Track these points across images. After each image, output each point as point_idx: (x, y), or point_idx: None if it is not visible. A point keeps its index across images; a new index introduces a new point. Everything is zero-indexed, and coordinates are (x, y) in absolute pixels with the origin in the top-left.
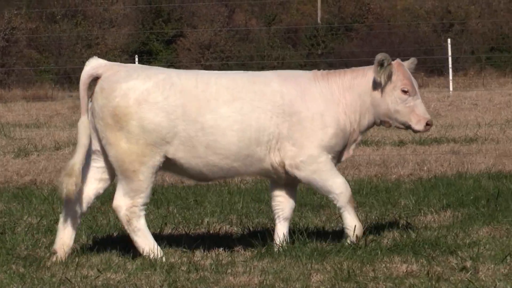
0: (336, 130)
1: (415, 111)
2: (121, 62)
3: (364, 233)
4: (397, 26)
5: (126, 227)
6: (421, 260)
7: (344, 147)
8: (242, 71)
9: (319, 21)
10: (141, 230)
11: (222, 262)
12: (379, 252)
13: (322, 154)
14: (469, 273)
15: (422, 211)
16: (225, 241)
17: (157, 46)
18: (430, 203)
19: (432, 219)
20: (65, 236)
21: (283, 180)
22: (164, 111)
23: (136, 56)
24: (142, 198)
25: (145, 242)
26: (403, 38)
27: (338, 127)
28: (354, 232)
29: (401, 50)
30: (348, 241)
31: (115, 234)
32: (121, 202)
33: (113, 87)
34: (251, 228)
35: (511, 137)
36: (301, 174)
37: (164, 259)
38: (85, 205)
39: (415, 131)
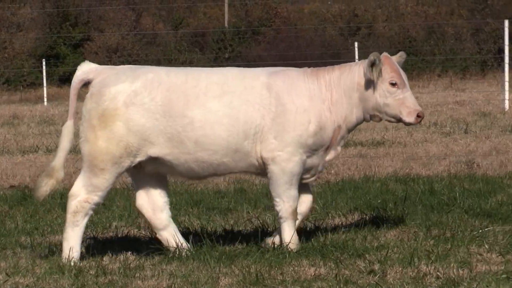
0: (316, 128)
1: (405, 103)
2: (28, 66)
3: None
4: (304, 30)
5: (68, 216)
6: (329, 263)
7: (327, 146)
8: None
9: (226, 24)
10: (78, 227)
11: (130, 266)
12: (287, 256)
13: (297, 153)
14: (377, 276)
15: (330, 215)
16: (134, 245)
17: (64, 50)
18: (338, 207)
19: (340, 223)
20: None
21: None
22: (150, 112)
23: (44, 60)
24: (97, 196)
25: (73, 239)
26: (310, 42)
27: (319, 125)
28: (288, 244)
29: (308, 54)
30: (270, 243)
31: (23, 238)
32: (78, 192)
33: (102, 91)
34: None
35: (418, 140)
36: (274, 168)
37: (72, 263)
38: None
39: (407, 124)
